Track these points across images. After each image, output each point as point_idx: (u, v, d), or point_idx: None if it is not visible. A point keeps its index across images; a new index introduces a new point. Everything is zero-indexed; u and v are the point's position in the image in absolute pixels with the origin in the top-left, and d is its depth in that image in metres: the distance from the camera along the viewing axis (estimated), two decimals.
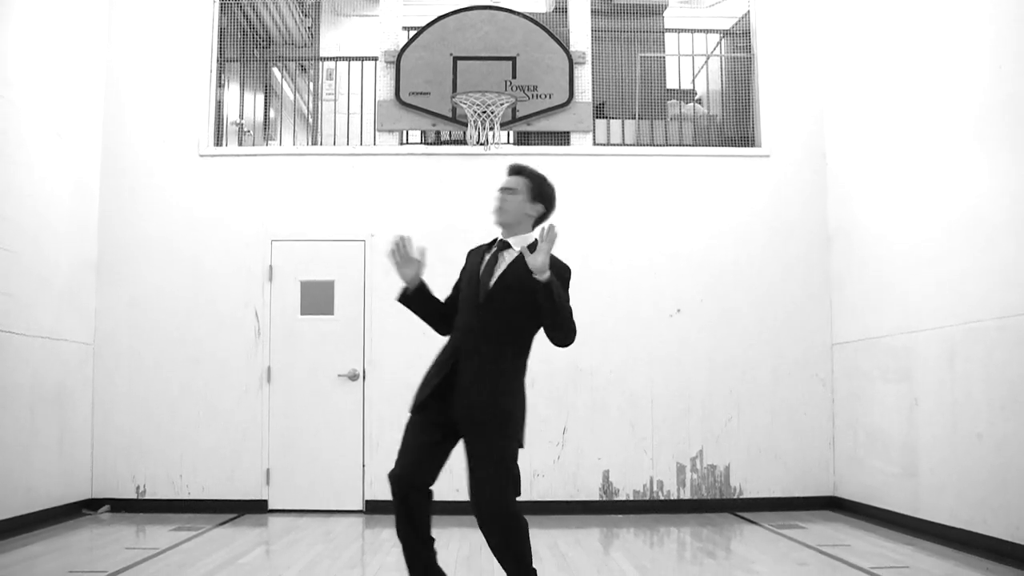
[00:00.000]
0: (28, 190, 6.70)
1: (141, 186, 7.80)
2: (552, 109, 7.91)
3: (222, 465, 7.52)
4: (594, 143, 8.08)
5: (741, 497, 7.58)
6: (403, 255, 3.81)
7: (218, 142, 8.21)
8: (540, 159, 7.76)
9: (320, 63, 10.27)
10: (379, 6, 8.22)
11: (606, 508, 7.52)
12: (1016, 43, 5.32)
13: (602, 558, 5.65)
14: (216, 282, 7.69)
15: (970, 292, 5.70)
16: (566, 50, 7.96)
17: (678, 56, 8.87)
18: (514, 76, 7.88)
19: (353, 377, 7.61)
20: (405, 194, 7.76)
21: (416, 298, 3.88)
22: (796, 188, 7.92)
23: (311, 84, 10.82)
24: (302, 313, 7.69)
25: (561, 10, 8.44)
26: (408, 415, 3.80)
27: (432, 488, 3.72)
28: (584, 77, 8.02)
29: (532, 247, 3.59)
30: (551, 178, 3.93)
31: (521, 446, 3.71)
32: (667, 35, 8.94)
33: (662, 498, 7.57)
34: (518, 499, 3.67)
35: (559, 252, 3.69)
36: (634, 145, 8.30)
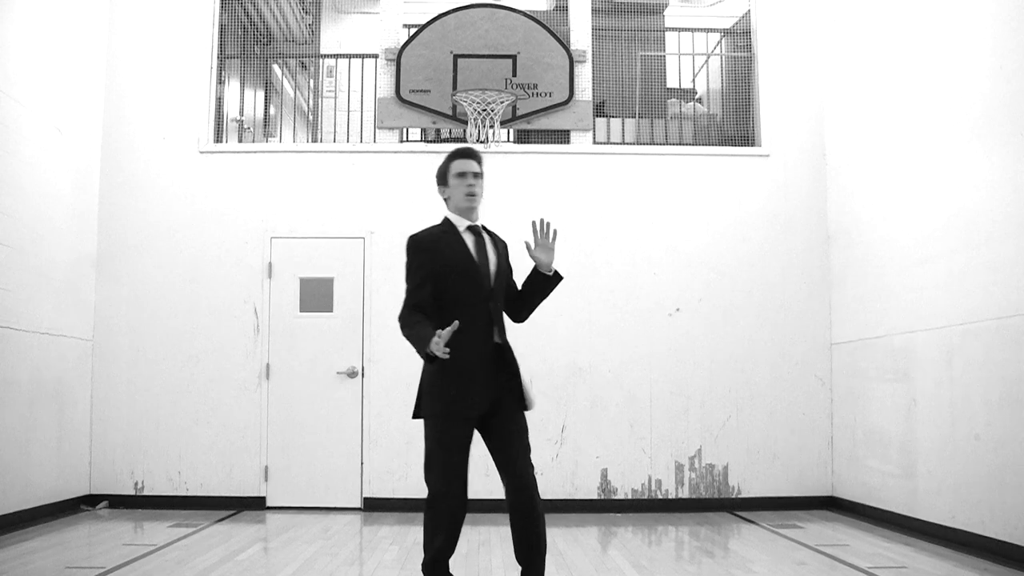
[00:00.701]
0: (28, 186, 6.70)
1: (141, 182, 7.80)
2: (552, 107, 7.91)
3: (220, 462, 7.53)
4: (594, 142, 8.08)
5: (739, 496, 7.59)
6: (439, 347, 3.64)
7: (218, 139, 8.21)
8: (540, 157, 7.88)
9: (320, 60, 10.26)
10: (380, 3, 8.22)
11: (604, 507, 7.52)
12: (1016, 42, 5.32)
13: (600, 557, 5.65)
14: (216, 278, 7.69)
15: (969, 292, 5.70)
16: (566, 48, 7.96)
17: (678, 55, 8.87)
18: (514, 74, 7.88)
19: (352, 374, 7.61)
20: (405, 192, 7.76)
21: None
22: (795, 187, 7.93)
23: (311, 81, 10.82)
24: (301, 310, 7.69)
25: (562, 8, 8.43)
26: (442, 423, 3.76)
27: None
28: (584, 75, 8.02)
29: (489, 231, 3.91)
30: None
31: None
32: (667, 34, 8.95)
33: (660, 497, 7.58)
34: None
35: (559, 250, 3.75)
36: (634, 144, 8.30)
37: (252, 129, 9.34)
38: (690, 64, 9.14)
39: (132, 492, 7.50)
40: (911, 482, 6.36)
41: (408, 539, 6.12)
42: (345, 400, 7.60)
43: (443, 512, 3.74)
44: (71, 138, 7.36)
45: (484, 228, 3.96)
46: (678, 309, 7.77)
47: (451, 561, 3.94)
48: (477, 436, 3.81)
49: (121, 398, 7.57)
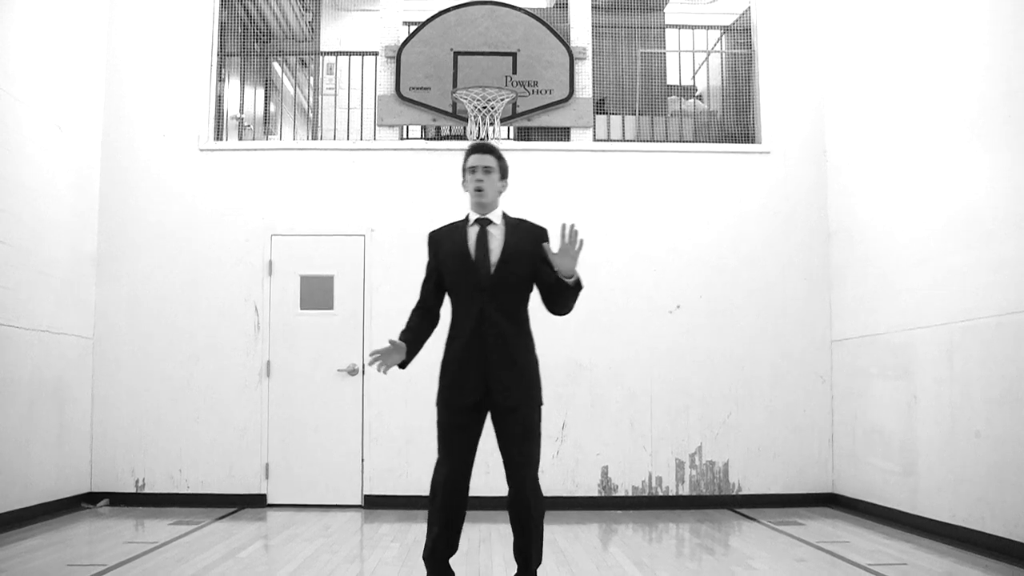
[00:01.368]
0: (28, 183, 6.70)
1: (141, 180, 7.80)
2: (552, 105, 7.91)
3: (221, 459, 7.53)
4: (594, 139, 8.07)
5: (740, 493, 7.59)
6: (384, 356, 3.81)
7: (218, 136, 8.21)
8: (540, 155, 7.87)
9: (320, 58, 10.27)
10: (380, 1, 8.21)
11: (605, 504, 7.52)
12: (1016, 39, 5.31)
13: (601, 554, 5.65)
14: (216, 276, 7.69)
15: (969, 289, 5.70)
16: (567, 46, 7.95)
17: (679, 52, 8.86)
18: (514, 71, 7.87)
19: (352, 372, 7.61)
20: (405, 189, 7.75)
21: (412, 354, 3.94)
22: (796, 184, 7.92)
23: (311, 79, 10.82)
24: (302, 308, 7.69)
25: (562, 6, 8.43)
26: (441, 412, 3.89)
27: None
28: (584, 73, 8.02)
29: (512, 221, 3.94)
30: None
31: (542, 403, 3.95)
32: (668, 31, 8.94)
33: (661, 494, 7.58)
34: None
35: (558, 247, 3.76)
36: (634, 141, 8.29)
37: (252, 127, 9.34)
38: (690, 61, 9.13)
39: (133, 490, 7.50)
40: (911, 479, 6.37)
41: (408, 536, 6.12)
42: (345, 398, 7.60)
43: (437, 506, 3.82)
44: (71, 136, 7.36)
45: (507, 218, 3.99)
46: (678, 306, 7.77)
47: (451, 560, 3.95)
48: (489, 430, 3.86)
49: (122, 396, 7.57)
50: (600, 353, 7.66)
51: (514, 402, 3.80)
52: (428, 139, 8.39)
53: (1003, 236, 5.38)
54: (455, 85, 7.79)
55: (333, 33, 11.28)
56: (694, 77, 9.23)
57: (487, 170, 3.94)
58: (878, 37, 7.05)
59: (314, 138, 9.58)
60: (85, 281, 7.56)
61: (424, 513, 3.69)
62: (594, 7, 8.28)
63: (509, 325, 3.85)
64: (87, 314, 7.58)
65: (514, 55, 7.90)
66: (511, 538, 3.92)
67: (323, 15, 11.37)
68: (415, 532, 6.24)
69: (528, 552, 3.85)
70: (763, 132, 8.04)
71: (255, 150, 8.01)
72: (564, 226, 3.75)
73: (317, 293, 7.70)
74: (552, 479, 7.42)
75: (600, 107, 8.46)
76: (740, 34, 8.54)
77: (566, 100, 7.91)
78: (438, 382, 3.94)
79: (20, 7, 6.65)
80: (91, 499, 7.46)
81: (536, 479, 3.87)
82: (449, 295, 3.97)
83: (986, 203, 5.56)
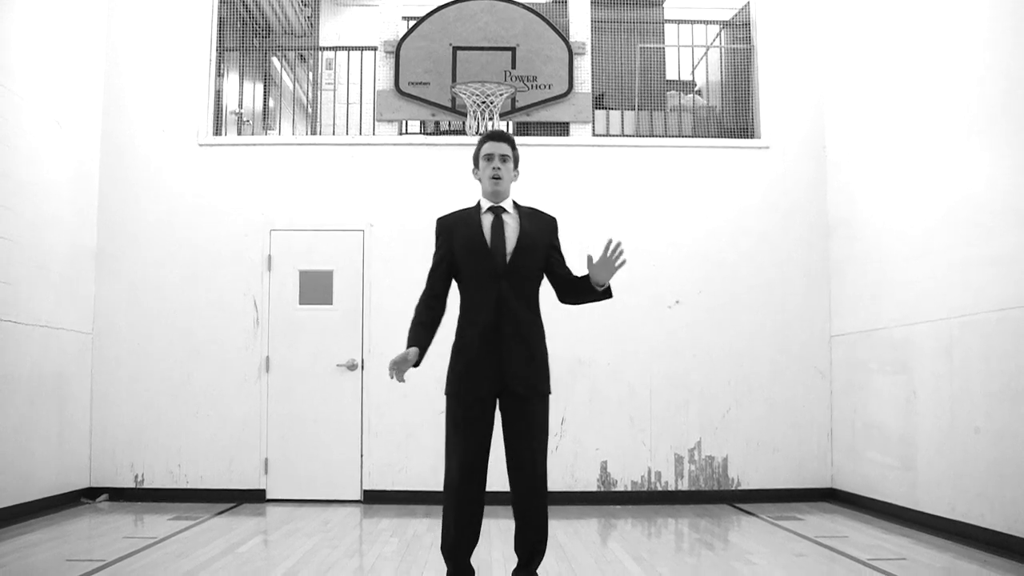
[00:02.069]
0: (28, 178, 6.69)
1: (140, 175, 7.79)
2: (552, 100, 7.90)
3: (220, 455, 7.53)
4: (593, 134, 8.07)
5: (739, 488, 7.59)
6: (400, 365, 3.73)
7: (217, 131, 8.20)
8: (539, 150, 7.86)
9: (319, 53, 10.25)
10: None
11: (604, 499, 7.53)
12: (1015, 36, 5.31)
13: (600, 549, 5.66)
14: (215, 271, 7.68)
15: (969, 284, 5.70)
16: (566, 41, 7.94)
17: (678, 47, 8.85)
18: (514, 66, 7.87)
19: (352, 367, 7.61)
20: (404, 184, 7.75)
21: (424, 352, 3.88)
22: (795, 180, 7.92)
23: (310, 74, 10.80)
24: (301, 303, 7.69)
25: (561, 1, 8.42)
26: (454, 402, 3.85)
27: None
28: (584, 68, 8.01)
29: (525, 209, 3.96)
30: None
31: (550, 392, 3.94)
32: (667, 26, 8.92)
33: (660, 489, 7.59)
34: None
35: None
36: (633, 136, 8.29)
37: (251, 122, 9.34)
38: (689, 56, 9.12)
39: (132, 485, 7.51)
40: (911, 474, 6.37)
41: (408, 531, 6.13)
42: (345, 393, 7.60)
43: (452, 505, 3.78)
44: (70, 131, 7.35)
45: (518, 207, 3.99)
46: (678, 301, 7.77)
47: None
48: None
49: (121, 391, 7.57)
50: (599, 348, 7.66)
51: (530, 393, 3.79)
52: (427, 134, 8.39)
53: (1003, 231, 5.38)
54: (454, 80, 7.78)
55: (332, 28, 11.27)
56: (693, 72, 9.22)
57: (504, 158, 3.94)
58: (877, 32, 7.04)
59: (313, 133, 9.57)
60: (84, 276, 7.56)
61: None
62: (593, 2, 8.27)
63: (526, 313, 3.82)
64: (86, 309, 7.57)
65: (513, 50, 7.89)
66: (511, 532, 3.92)
67: (322, 10, 11.36)
68: (414, 527, 6.25)
69: (540, 547, 3.83)
70: (762, 127, 8.04)
71: (254, 145, 8.00)
72: (610, 241, 3.74)
73: (316, 288, 7.70)
74: (551, 474, 7.30)
75: (599, 102, 8.45)
76: (739, 29, 8.53)
77: (565, 95, 7.90)
78: (449, 371, 3.88)
79: (20, 3, 6.63)
80: (90, 494, 7.46)
81: (546, 472, 3.87)
82: (460, 282, 3.93)
83: (986, 198, 5.56)
